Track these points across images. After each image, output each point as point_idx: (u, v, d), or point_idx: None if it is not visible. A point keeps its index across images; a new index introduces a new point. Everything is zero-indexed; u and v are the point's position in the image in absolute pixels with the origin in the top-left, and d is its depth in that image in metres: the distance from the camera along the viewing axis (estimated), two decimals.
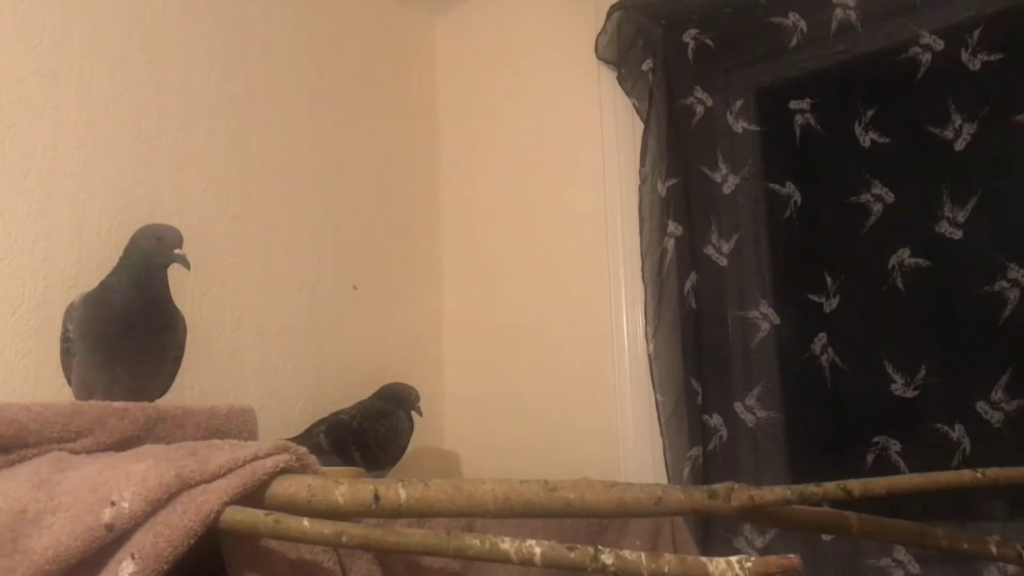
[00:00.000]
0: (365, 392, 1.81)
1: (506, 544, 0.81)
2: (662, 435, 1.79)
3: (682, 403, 1.78)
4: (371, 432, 1.68)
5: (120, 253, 1.24)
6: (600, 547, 0.80)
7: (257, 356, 1.83)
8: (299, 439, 1.62)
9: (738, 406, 1.78)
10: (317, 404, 1.83)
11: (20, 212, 1.50)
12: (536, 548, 0.80)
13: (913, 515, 1.05)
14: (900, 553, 1.55)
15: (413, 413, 1.78)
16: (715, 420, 1.77)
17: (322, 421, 1.70)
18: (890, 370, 1.61)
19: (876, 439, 1.60)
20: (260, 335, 1.85)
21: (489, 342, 2.19)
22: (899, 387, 1.60)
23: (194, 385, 1.67)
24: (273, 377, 1.85)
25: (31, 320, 1.48)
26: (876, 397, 1.62)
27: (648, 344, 1.85)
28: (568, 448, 1.93)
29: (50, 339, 1.32)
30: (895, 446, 1.58)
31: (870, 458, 1.59)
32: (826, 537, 1.62)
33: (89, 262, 1.50)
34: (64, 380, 1.26)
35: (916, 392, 1.59)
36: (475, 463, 2.15)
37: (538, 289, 2.11)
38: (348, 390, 1.83)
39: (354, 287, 2.08)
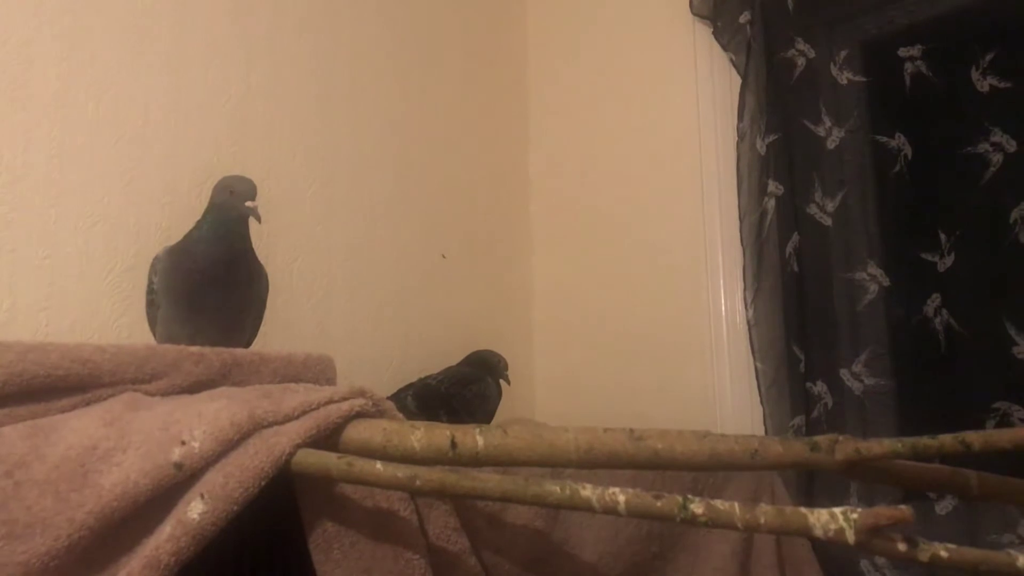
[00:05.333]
0: (453, 360, 1.79)
1: (587, 491, 0.76)
2: (762, 404, 1.71)
3: (783, 371, 1.70)
4: (458, 397, 1.65)
5: None
6: (689, 496, 0.74)
7: (346, 322, 1.82)
8: None
9: (844, 373, 1.68)
10: (406, 371, 1.82)
11: (113, 176, 1.52)
12: (620, 496, 0.75)
13: None
14: None
15: (501, 381, 1.75)
16: (819, 388, 1.68)
17: (410, 385, 1.69)
18: (1012, 331, 1.50)
19: (997, 405, 1.49)
20: (349, 302, 1.84)
21: (581, 310, 2.13)
22: (1022, 350, 1.49)
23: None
24: (362, 344, 1.84)
25: (124, 282, 1.50)
26: (996, 361, 1.51)
27: (747, 310, 1.77)
28: (663, 419, 1.85)
29: (143, 300, 1.32)
30: (1019, 412, 1.47)
31: (990, 426, 1.47)
32: (941, 511, 1.52)
33: (179, 226, 1.50)
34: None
35: None
36: None
37: (631, 254, 2.04)
38: (437, 358, 1.81)
39: (443, 255, 2.06)
